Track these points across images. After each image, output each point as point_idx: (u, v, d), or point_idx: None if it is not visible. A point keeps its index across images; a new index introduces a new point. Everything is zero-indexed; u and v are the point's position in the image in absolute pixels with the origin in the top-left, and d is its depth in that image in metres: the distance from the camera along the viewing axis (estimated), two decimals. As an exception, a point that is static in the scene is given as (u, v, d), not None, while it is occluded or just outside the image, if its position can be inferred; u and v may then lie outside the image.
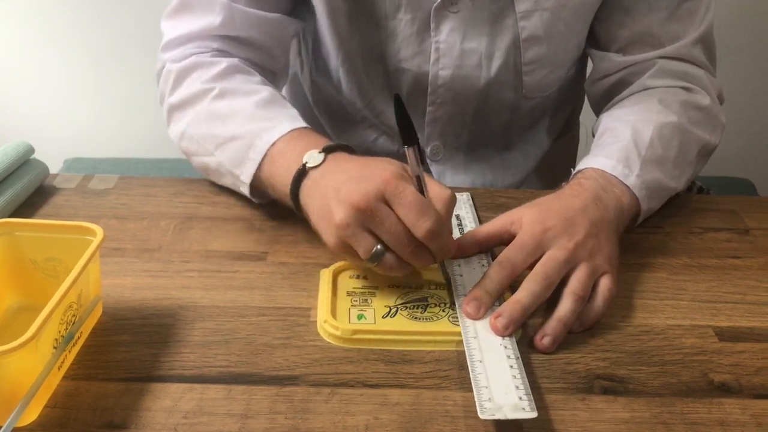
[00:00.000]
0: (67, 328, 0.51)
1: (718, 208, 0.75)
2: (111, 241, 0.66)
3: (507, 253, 0.59)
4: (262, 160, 0.66)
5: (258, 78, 0.76)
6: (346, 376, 0.52)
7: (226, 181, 0.72)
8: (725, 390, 0.52)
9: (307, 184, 0.61)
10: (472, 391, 0.50)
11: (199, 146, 0.72)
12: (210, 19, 0.75)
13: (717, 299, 0.61)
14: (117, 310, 0.58)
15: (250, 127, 0.68)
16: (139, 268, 0.63)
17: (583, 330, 0.57)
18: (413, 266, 0.57)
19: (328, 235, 0.57)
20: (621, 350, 0.55)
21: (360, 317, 0.57)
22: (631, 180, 0.66)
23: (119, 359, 0.53)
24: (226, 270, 0.63)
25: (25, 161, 0.74)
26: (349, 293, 0.60)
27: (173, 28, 0.77)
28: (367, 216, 0.54)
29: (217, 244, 0.66)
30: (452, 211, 0.57)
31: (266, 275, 0.62)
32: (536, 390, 0.51)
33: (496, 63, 0.79)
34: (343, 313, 0.57)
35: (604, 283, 0.59)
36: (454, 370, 0.53)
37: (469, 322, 0.56)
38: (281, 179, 0.63)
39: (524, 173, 0.91)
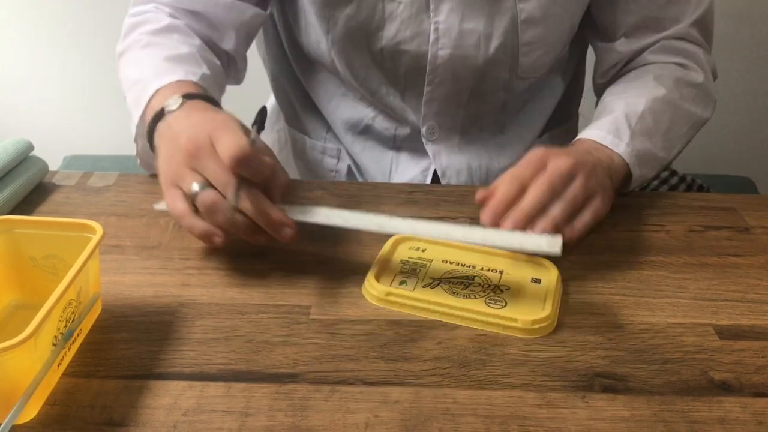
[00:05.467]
0: (66, 326, 0.51)
1: (718, 206, 0.75)
2: (110, 239, 0.66)
3: (514, 170, 0.65)
4: (147, 104, 0.70)
5: (194, 41, 0.79)
6: (346, 373, 0.52)
7: (133, 128, 0.74)
8: (725, 388, 0.52)
9: (161, 127, 0.65)
10: (472, 388, 0.51)
11: (123, 88, 0.77)
12: None
13: (717, 297, 0.61)
14: (116, 307, 0.58)
15: (148, 74, 0.72)
16: (139, 265, 0.63)
17: (570, 238, 0.62)
18: (241, 219, 0.58)
19: (164, 174, 0.61)
20: (621, 348, 0.55)
21: (402, 283, 0.60)
22: (621, 148, 0.71)
23: (119, 356, 0.53)
24: (226, 267, 0.63)
25: (24, 158, 0.74)
26: (402, 261, 0.63)
27: None
28: (195, 157, 0.59)
29: (217, 242, 0.66)
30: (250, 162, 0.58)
31: (266, 273, 0.62)
32: (536, 388, 0.51)
33: (494, 43, 0.80)
34: (388, 277, 0.61)
35: (595, 202, 0.65)
36: (455, 367, 0.53)
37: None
38: (148, 120, 0.68)
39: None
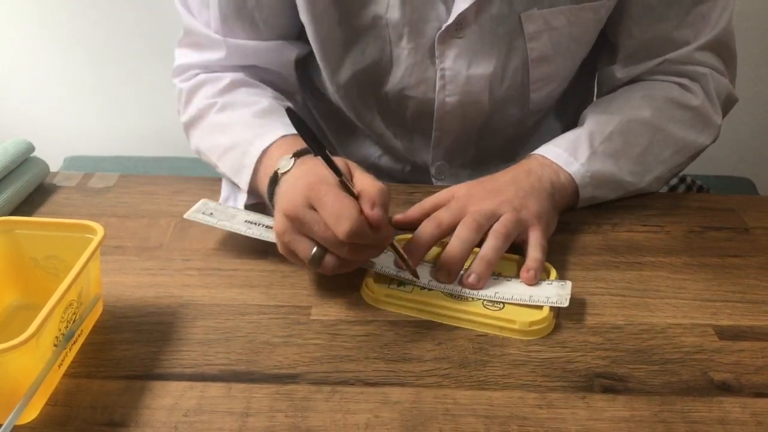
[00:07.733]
0: (67, 326, 0.51)
1: (718, 207, 0.75)
2: (111, 239, 0.66)
3: (436, 213, 0.63)
4: (255, 166, 0.67)
5: (262, 90, 0.76)
6: (347, 374, 0.52)
7: (240, 196, 0.70)
8: (725, 389, 0.52)
9: (278, 191, 0.61)
10: (472, 389, 0.51)
11: (209, 159, 0.74)
12: (214, 54, 0.77)
13: (717, 298, 0.61)
14: (117, 308, 0.58)
15: (245, 135, 0.69)
16: (140, 266, 0.63)
17: (535, 281, 0.59)
18: (362, 260, 0.58)
19: (277, 242, 0.59)
20: (621, 349, 0.55)
21: (400, 285, 0.60)
22: (574, 167, 0.69)
23: (120, 357, 0.53)
24: (226, 268, 0.63)
25: (25, 159, 0.74)
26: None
27: (183, 55, 0.80)
28: (298, 223, 0.55)
29: (217, 243, 0.66)
30: (386, 203, 0.56)
31: (266, 273, 0.62)
32: (536, 388, 0.51)
33: (505, 85, 0.77)
34: (386, 279, 0.60)
35: (534, 235, 0.63)
36: (455, 368, 0.53)
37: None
38: (263, 186, 0.65)
39: None
